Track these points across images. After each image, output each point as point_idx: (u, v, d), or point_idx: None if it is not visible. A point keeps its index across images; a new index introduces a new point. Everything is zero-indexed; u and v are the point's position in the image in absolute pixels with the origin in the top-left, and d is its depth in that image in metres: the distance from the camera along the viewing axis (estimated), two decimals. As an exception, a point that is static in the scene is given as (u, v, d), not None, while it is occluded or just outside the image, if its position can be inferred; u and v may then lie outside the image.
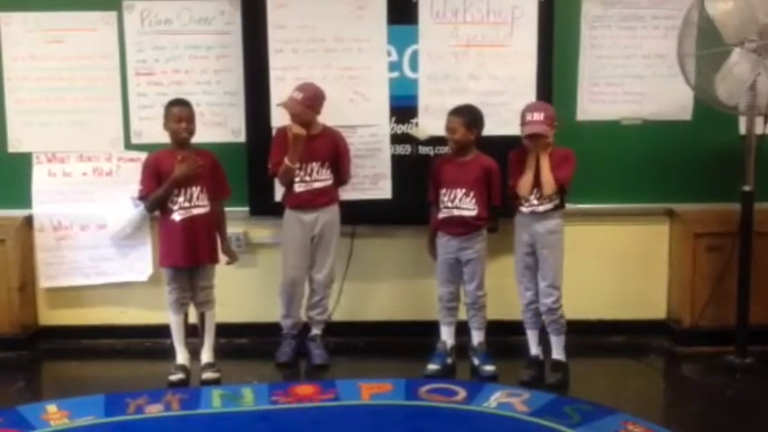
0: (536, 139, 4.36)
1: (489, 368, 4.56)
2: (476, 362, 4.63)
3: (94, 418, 4.04)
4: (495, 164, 4.54)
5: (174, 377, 4.48)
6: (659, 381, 4.84)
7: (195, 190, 4.43)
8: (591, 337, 4.99)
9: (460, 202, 4.52)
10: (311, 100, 4.59)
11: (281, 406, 4.20)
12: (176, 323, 4.57)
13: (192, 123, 4.46)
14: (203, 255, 4.51)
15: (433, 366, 4.59)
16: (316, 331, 4.84)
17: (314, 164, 4.62)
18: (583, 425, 3.93)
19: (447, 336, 4.70)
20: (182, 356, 4.58)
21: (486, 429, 3.98)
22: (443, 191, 4.56)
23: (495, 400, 4.23)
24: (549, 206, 4.43)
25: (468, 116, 4.50)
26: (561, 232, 4.50)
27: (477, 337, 4.67)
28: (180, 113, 4.42)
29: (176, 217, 4.41)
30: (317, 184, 4.65)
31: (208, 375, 4.50)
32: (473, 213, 4.52)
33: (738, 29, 4.38)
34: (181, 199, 4.41)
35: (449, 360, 4.66)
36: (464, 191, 4.51)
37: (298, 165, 4.56)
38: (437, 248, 4.67)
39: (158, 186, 4.41)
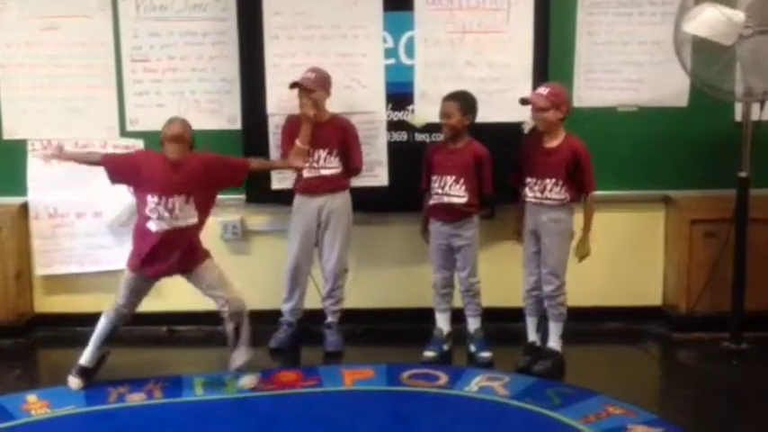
0: (533, 112, 4.38)
1: (485, 355, 4.57)
2: (472, 348, 4.64)
3: (75, 407, 4.04)
4: (486, 151, 4.54)
5: (72, 382, 4.20)
6: (655, 367, 4.86)
7: (178, 200, 4.05)
8: (587, 324, 5.00)
9: (450, 189, 4.52)
10: (324, 80, 4.61)
11: (263, 393, 4.21)
12: (104, 332, 4.22)
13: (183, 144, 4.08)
14: (177, 266, 4.15)
15: (429, 353, 4.60)
16: (331, 319, 4.85)
17: (321, 151, 4.63)
18: (563, 407, 3.97)
19: (443, 323, 4.70)
20: (87, 356, 4.22)
21: (468, 413, 4.02)
22: (434, 177, 4.57)
23: (477, 384, 4.26)
24: (553, 202, 4.42)
25: (464, 101, 4.50)
26: (566, 221, 4.46)
27: (472, 324, 4.67)
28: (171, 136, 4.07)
29: (152, 226, 4.06)
30: (324, 171, 4.65)
31: (246, 381, 4.22)
32: (463, 200, 4.52)
33: (725, 32, 4.37)
34: (161, 208, 4.02)
35: (445, 347, 4.67)
36: (454, 178, 4.51)
37: (308, 147, 4.56)
38: (430, 235, 4.68)
39: (126, 177, 4.13)
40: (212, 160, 4.21)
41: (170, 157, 4.04)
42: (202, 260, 4.20)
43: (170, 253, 4.08)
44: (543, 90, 4.39)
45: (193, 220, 4.09)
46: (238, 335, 4.20)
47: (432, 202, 4.60)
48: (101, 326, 4.22)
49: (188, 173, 4.06)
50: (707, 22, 4.37)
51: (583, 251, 4.51)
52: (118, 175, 4.14)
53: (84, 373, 4.21)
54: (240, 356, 4.22)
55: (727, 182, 4.72)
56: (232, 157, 4.39)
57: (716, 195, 4.93)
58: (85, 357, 4.22)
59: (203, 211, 4.15)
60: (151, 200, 4.01)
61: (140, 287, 4.19)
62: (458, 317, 4.73)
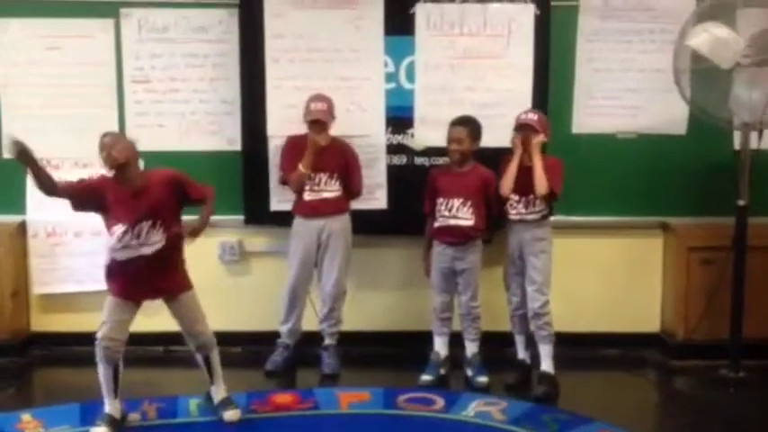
0: (526, 133, 4.41)
1: (482, 379, 4.56)
2: (469, 373, 4.63)
3: (69, 426, 4.01)
4: (493, 174, 4.56)
5: (96, 430, 3.91)
6: (652, 394, 4.85)
7: (146, 225, 3.82)
8: (584, 350, 5.00)
9: (458, 212, 4.53)
10: (332, 107, 4.65)
11: (259, 415, 4.19)
12: (105, 376, 3.94)
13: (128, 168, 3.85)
14: (158, 288, 3.96)
15: (426, 377, 4.58)
16: (329, 341, 4.84)
17: (322, 174, 4.65)
18: (560, 433, 3.96)
19: (440, 347, 4.69)
20: (109, 406, 3.98)
21: (464, 438, 4.00)
22: (440, 200, 4.57)
23: (473, 408, 4.24)
24: (536, 216, 4.47)
25: (473, 126, 4.54)
26: (548, 240, 4.53)
27: (470, 349, 4.67)
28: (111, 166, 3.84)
29: (119, 257, 3.85)
30: (325, 194, 4.67)
31: (230, 415, 4.06)
32: (470, 223, 4.53)
33: (727, 53, 4.40)
34: (127, 237, 3.80)
35: (442, 371, 4.65)
36: (461, 200, 4.52)
37: (310, 172, 4.59)
38: (432, 257, 4.67)
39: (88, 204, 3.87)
40: (172, 179, 3.91)
41: (127, 187, 3.82)
42: (186, 288, 4.03)
43: (145, 274, 3.87)
44: (534, 115, 4.48)
45: (160, 243, 3.85)
46: (210, 367, 4.09)
47: (437, 224, 4.60)
48: (102, 374, 3.94)
49: (151, 198, 3.83)
50: (708, 39, 4.39)
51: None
52: (80, 204, 3.89)
53: (111, 421, 3.95)
54: (217, 393, 4.13)
55: (725, 210, 4.72)
56: (194, 184, 3.97)
57: (714, 223, 4.94)
58: (108, 407, 3.97)
59: (171, 227, 3.89)
60: (116, 230, 3.81)
61: (124, 310, 3.94)
62: (456, 341, 4.71)
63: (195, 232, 3.94)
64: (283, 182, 4.76)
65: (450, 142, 4.54)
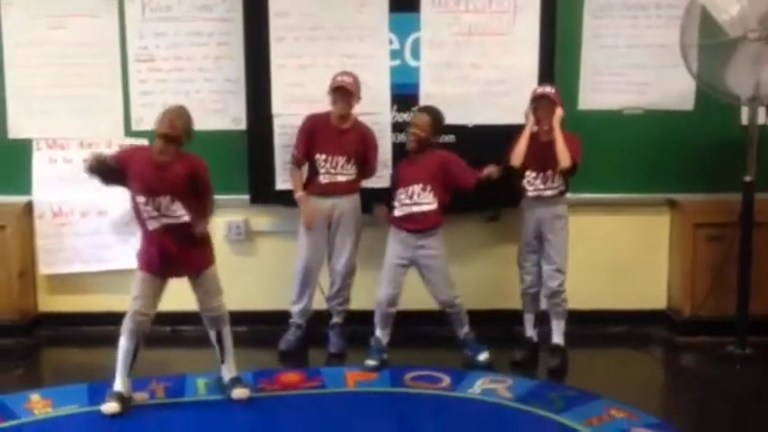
0: (545, 105, 4.41)
1: (484, 356, 4.50)
2: (468, 353, 4.57)
3: (78, 406, 4.04)
4: (449, 154, 4.50)
5: (107, 407, 3.94)
6: (659, 371, 4.86)
7: (164, 200, 3.94)
8: (591, 327, 5.00)
9: (419, 198, 4.44)
10: (358, 86, 4.60)
11: (266, 393, 4.21)
12: (125, 350, 4.01)
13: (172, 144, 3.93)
14: (185, 265, 4.07)
15: (371, 362, 4.50)
16: (336, 320, 4.85)
17: (340, 158, 4.63)
18: (566, 410, 3.96)
19: (383, 336, 4.60)
20: (120, 383, 4.02)
21: (471, 415, 4.02)
22: (400, 189, 4.48)
23: (479, 386, 4.26)
24: (554, 191, 4.46)
25: (437, 117, 4.46)
26: (566, 217, 4.52)
27: (461, 331, 4.57)
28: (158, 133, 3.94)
29: (148, 225, 4.00)
30: (340, 178, 4.66)
31: (238, 393, 4.12)
32: (432, 207, 4.44)
33: (739, 20, 4.37)
34: (149, 208, 3.95)
35: (385, 356, 4.55)
36: (421, 186, 4.43)
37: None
38: (387, 247, 4.56)
39: (117, 177, 3.94)
40: (196, 172, 3.99)
41: (157, 157, 3.91)
42: (211, 263, 4.14)
43: (173, 248, 3.98)
44: (551, 89, 4.48)
45: (185, 217, 3.97)
46: (222, 345, 4.16)
47: (398, 213, 4.50)
48: (123, 348, 4.00)
49: (171, 177, 3.92)
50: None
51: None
52: (110, 179, 3.96)
53: (120, 398, 3.98)
54: (228, 372, 4.18)
55: (732, 186, 4.71)
56: (207, 186, 4.06)
57: (721, 199, 4.92)
58: (119, 383, 4.01)
59: (193, 210, 4.00)
60: (139, 200, 3.95)
61: (153, 286, 4.04)
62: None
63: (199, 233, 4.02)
64: (295, 163, 4.71)
65: (412, 127, 4.47)
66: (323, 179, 4.64)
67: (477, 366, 4.50)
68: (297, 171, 4.72)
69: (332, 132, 4.60)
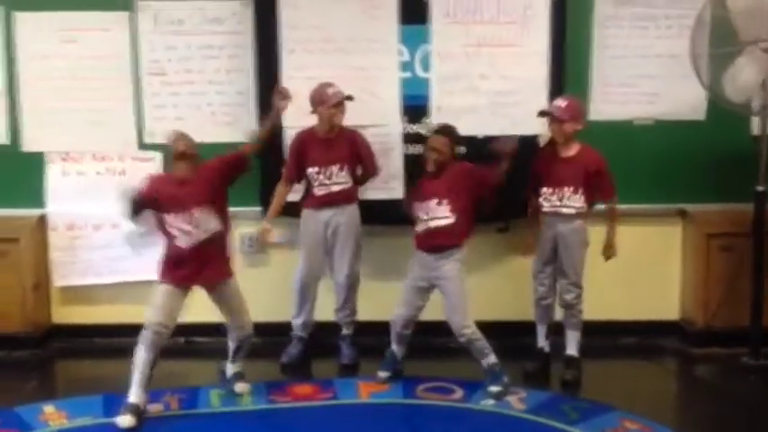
0: (550, 120, 4.39)
1: (495, 388, 4.27)
2: (485, 382, 4.37)
3: (92, 418, 4.05)
4: (463, 162, 4.43)
5: (122, 419, 3.92)
6: (672, 382, 4.84)
7: (197, 211, 4.06)
8: (603, 339, 4.98)
9: (434, 213, 4.30)
10: None
11: (279, 405, 4.22)
12: (144, 361, 4.00)
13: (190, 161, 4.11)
14: (209, 273, 4.15)
15: (383, 373, 4.49)
16: (346, 331, 4.86)
17: (333, 167, 4.63)
18: (580, 422, 3.95)
19: (398, 350, 4.56)
20: (135, 395, 4.00)
21: (484, 427, 4.01)
22: (416, 205, 4.38)
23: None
24: (570, 210, 4.43)
25: (453, 135, 4.39)
26: (584, 231, 4.48)
27: (483, 362, 4.35)
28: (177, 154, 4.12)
29: (180, 243, 4.07)
30: (335, 187, 4.65)
31: (240, 387, 4.31)
32: (449, 221, 4.29)
33: (754, 26, 4.36)
34: (182, 224, 4.05)
35: (398, 367, 4.54)
36: (436, 200, 4.31)
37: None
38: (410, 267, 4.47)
39: (148, 198, 4.07)
40: (216, 166, 4.20)
41: (179, 175, 4.08)
42: (229, 276, 4.23)
43: (199, 260, 4.09)
44: (562, 102, 4.42)
45: (215, 226, 4.10)
46: (239, 350, 4.35)
47: (418, 230, 4.38)
48: (141, 359, 3.99)
49: (198, 185, 4.09)
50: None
51: (609, 253, 4.54)
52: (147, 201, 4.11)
53: (136, 410, 3.96)
54: (233, 368, 4.38)
55: (744, 196, 4.70)
56: (228, 155, 4.29)
57: (733, 209, 4.90)
58: (134, 395, 4.00)
59: (222, 214, 4.16)
60: (171, 219, 4.05)
61: (174, 298, 4.10)
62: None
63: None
64: (285, 179, 4.71)
65: (431, 150, 4.35)
66: (318, 191, 4.64)
67: (488, 396, 4.28)
68: (282, 188, 4.71)
69: (320, 144, 4.61)
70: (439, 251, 4.33)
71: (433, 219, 4.33)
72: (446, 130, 4.44)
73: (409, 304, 4.44)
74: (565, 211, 4.43)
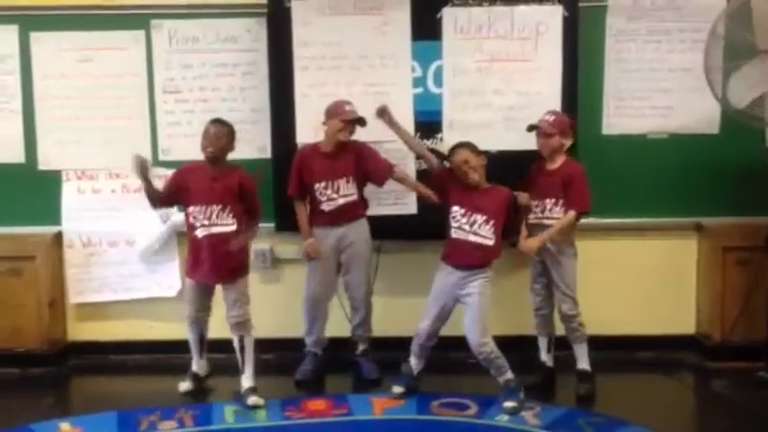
0: (539, 137, 4.43)
1: (510, 404, 4.26)
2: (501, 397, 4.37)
3: (107, 434, 4.07)
4: (507, 190, 4.32)
5: (183, 385, 4.60)
6: (689, 396, 4.80)
7: (215, 209, 4.37)
8: (620, 353, 4.97)
9: (479, 228, 4.27)
10: None
11: (294, 421, 4.21)
12: (192, 339, 4.64)
13: (219, 142, 4.39)
14: (225, 271, 4.43)
15: (398, 388, 4.47)
16: (364, 347, 4.87)
17: (340, 181, 4.64)
18: (595, 437, 3.93)
19: (416, 364, 4.51)
20: (195, 364, 4.66)
21: (498, 443, 3.99)
22: (457, 209, 4.32)
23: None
24: (553, 222, 4.42)
25: (472, 146, 4.32)
26: (571, 243, 4.49)
27: (500, 379, 4.34)
28: (206, 133, 4.41)
29: (199, 234, 4.40)
30: (341, 201, 4.65)
31: (253, 401, 4.35)
32: (489, 243, 4.27)
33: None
34: (201, 216, 4.37)
35: (414, 383, 4.50)
36: (485, 218, 4.27)
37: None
38: (436, 279, 4.44)
39: (171, 193, 4.48)
40: (246, 187, 4.45)
41: (211, 171, 4.39)
42: (245, 273, 4.51)
43: (214, 255, 4.36)
44: (549, 117, 4.45)
45: (232, 226, 4.37)
46: (243, 352, 4.45)
47: (454, 235, 4.33)
48: (190, 338, 4.61)
49: (226, 186, 4.38)
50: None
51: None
52: (168, 201, 4.57)
53: (195, 378, 4.63)
54: (246, 381, 4.43)
55: (759, 209, 4.69)
56: (252, 203, 4.50)
57: (749, 222, 4.89)
58: (195, 365, 4.65)
59: (240, 219, 4.41)
60: (194, 209, 4.38)
61: (199, 290, 4.51)
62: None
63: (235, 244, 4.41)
64: (291, 194, 4.71)
65: (463, 165, 4.25)
66: (326, 207, 4.64)
67: (503, 411, 4.27)
68: (298, 205, 4.72)
69: (325, 159, 4.62)
70: (470, 269, 4.31)
71: (476, 234, 4.28)
72: (468, 145, 4.33)
73: (432, 317, 4.41)
74: (547, 222, 4.43)
